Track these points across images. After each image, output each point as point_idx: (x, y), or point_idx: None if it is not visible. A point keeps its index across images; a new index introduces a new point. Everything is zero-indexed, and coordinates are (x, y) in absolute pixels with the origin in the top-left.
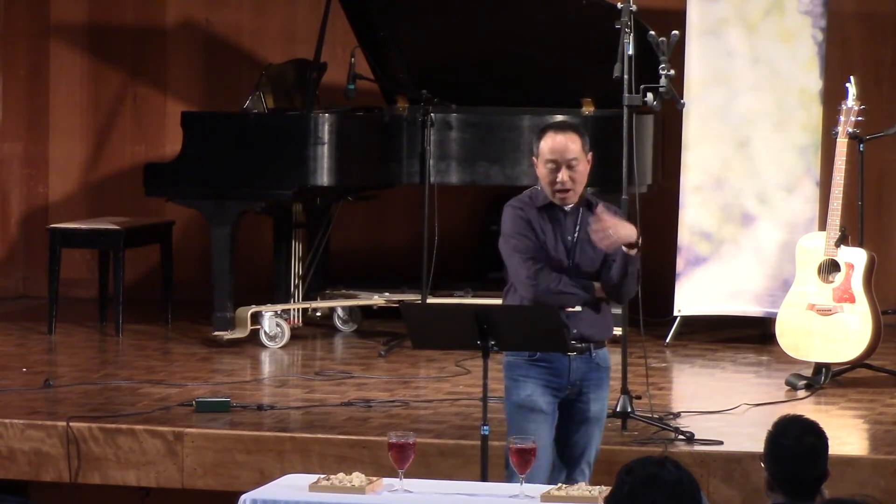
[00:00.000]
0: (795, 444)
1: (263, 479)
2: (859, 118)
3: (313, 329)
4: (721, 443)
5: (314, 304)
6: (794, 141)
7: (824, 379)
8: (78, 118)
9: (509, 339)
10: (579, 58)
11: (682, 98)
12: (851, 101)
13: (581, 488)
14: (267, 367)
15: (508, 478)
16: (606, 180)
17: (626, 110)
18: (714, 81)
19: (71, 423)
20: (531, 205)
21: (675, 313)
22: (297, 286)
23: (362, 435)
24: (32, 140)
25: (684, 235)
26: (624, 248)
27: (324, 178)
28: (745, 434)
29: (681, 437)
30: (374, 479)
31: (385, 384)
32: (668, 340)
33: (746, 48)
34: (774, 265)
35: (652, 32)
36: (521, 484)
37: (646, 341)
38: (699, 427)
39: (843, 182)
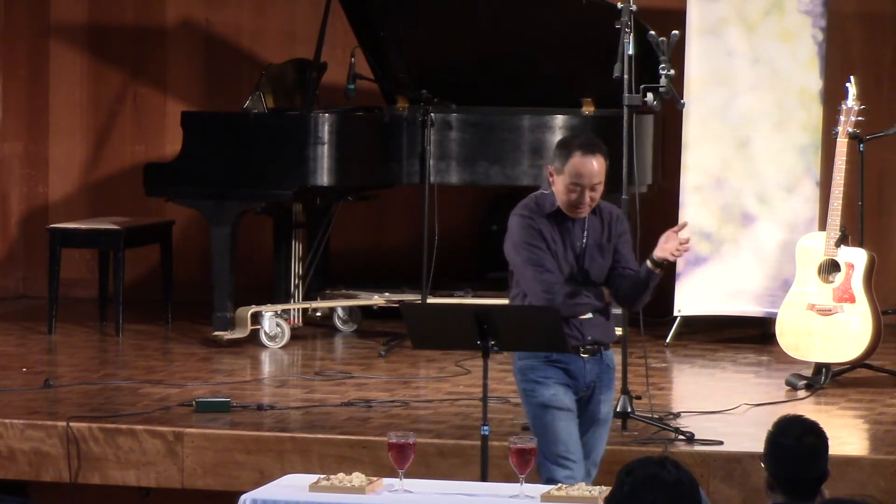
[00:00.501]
0: (795, 444)
1: (263, 479)
2: (859, 118)
3: (313, 329)
4: (721, 443)
5: (314, 304)
6: (794, 141)
7: (824, 379)
8: (78, 118)
9: (509, 339)
10: (579, 58)
11: (682, 98)
12: (851, 101)
13: (581, 488)
14: (267, 367)
15: (540, 474)
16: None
17: (626, 110)
18: (714, 81)
19: (71, 423)
20: (539, 212)
21: (676, 313)
22: (297, 286)
23: (362, 435)
24: (32, 140)
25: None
26: (649, 264)
27: (324, 178)
28: (746, 434)
29: (681, 437)
30: (374, 479)
31: (385, 384)
32: (668, 340)
33: (746, 48)
34: (774, 265)
35: (652, 32)
36: (521, 484)
37: (646, 341)
38: (699, 427)
39: (843, 182)
